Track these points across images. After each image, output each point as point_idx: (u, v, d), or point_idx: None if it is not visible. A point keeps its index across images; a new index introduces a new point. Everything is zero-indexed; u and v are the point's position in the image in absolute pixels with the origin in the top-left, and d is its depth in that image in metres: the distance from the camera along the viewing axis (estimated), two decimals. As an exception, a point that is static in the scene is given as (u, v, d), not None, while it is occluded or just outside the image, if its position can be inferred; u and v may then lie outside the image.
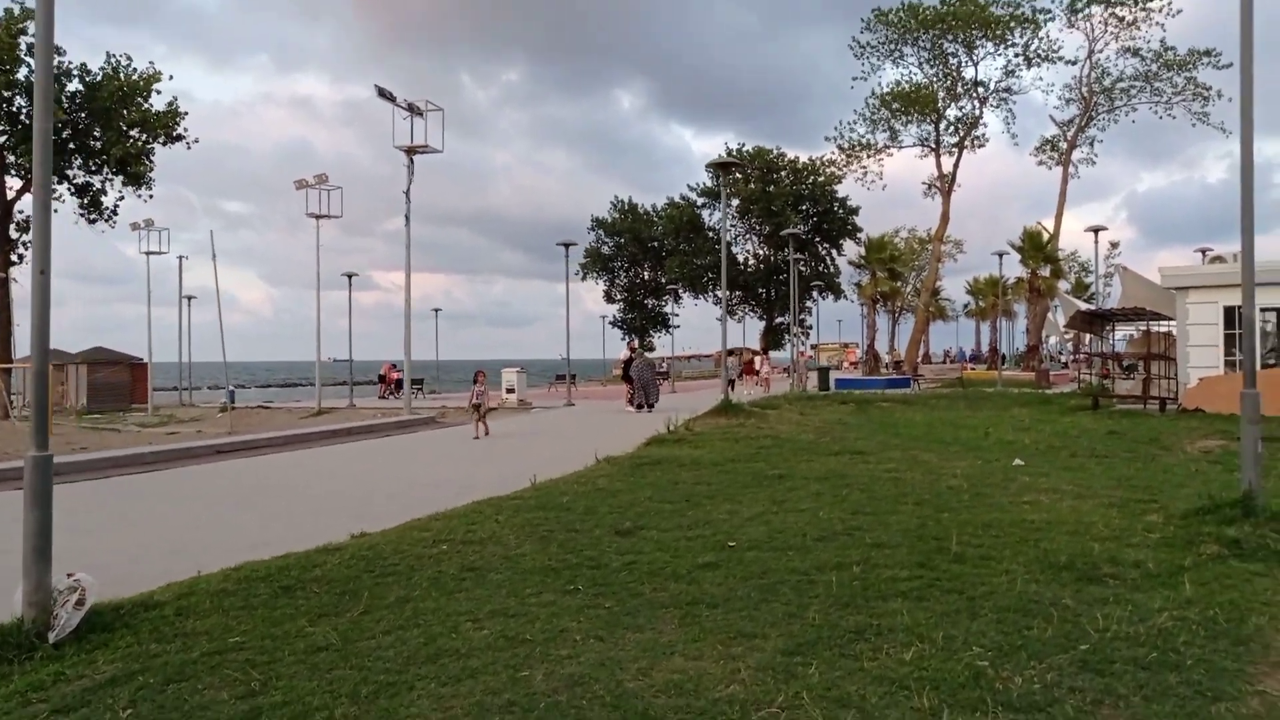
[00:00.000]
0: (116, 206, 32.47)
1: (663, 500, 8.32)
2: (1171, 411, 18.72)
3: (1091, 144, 47.96)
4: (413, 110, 23.67)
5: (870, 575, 5.43)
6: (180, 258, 38.33)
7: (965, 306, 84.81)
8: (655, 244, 56.97)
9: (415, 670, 4.03)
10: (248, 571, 5.78)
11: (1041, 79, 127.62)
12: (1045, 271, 47.23)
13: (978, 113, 46.82)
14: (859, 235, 54.64)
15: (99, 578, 5.89)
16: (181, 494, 10.86)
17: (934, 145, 47.00)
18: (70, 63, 27.95)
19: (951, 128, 47.00)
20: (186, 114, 29.41)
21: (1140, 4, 42.90)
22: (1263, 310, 18.47)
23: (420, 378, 38.76)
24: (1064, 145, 47.68)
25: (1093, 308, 28.18)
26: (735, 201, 53.08)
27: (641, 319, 58.58)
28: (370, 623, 4.74)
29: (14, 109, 27.08)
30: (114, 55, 27.91)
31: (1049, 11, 44.27)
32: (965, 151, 47.09)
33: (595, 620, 4.69)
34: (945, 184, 46.71)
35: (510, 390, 28.53)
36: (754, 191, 51.94)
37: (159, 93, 28.98)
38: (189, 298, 39.45)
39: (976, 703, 3.55)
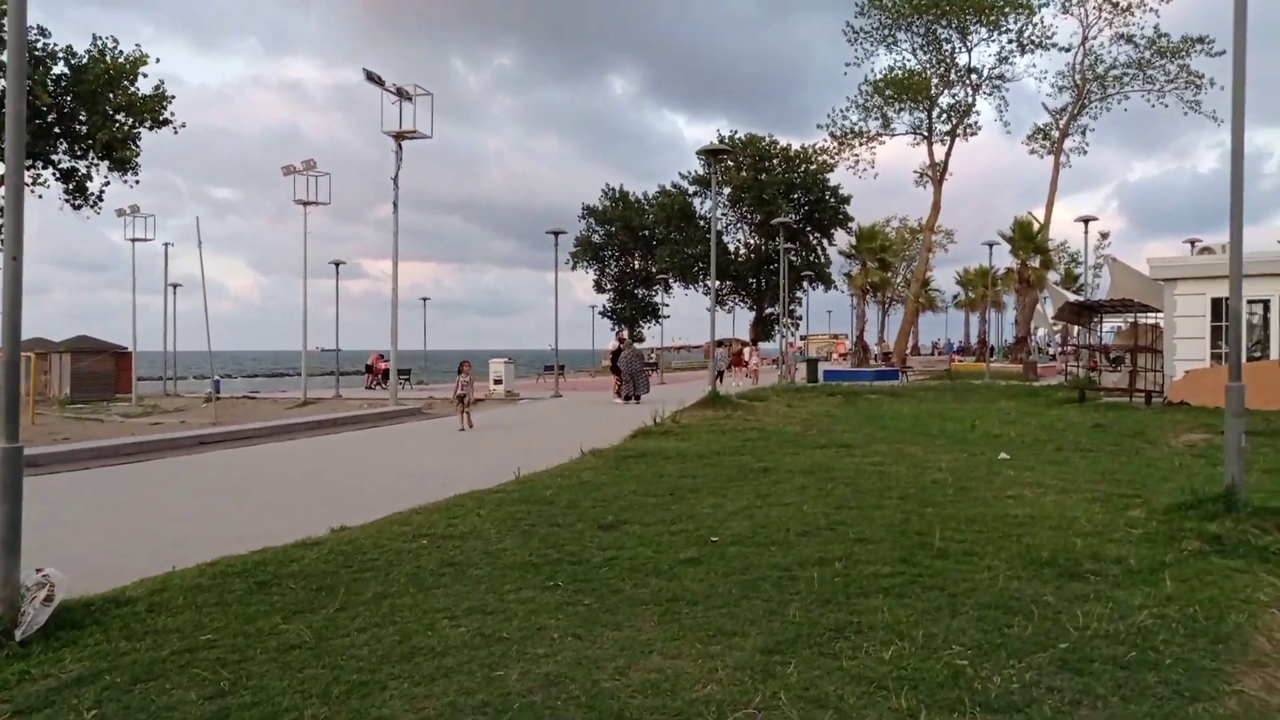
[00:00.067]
0: (102, 192, 32.14)
1: (647, 494, 8.28)
2: (1157, 404, 18.78)
3: (1084, 132, 48.08)
4: (401, 95, 23.47)
5: (852, 571, 5.41)
6: (166, 244, 38.16)
7: (955, 297, 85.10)
8: (646, 233, 56.89)
9: (389, 669, 3.98)
10: (223, 566, 5.72)
11: (1035, 66, 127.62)
12: (1035, 262, 47.36)
13: (971, 100, 46.83)
14: (850, 224, 54.68)
15: (73, 571, 5.83)
16: (162, 486, 10.76)
17: (926, 133, 47.03)
18: (56, 45, 27.55)
19: (944, 115, 47.00)
20: (174, 98, 29.11)
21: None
22: (1249, 302, 18.54)
23: (408, 368, 38.61)
24: (1056, 133, 47.75)
25: (1081, 299, 28.25)
26: (726, 190, 52.99)
27: (631, 309, 58.52)
28: (345, 620, 4.68)
29: (-13, 91, 26.71)
30: (100, 37, 27.46)
31: (1044, -3, 44.21)
32: (957, 140, 47.10)
33: (574, 618, 4.65)
34: (937, 172, 46.72)
35: (498, 381, 28.43)
36: (745, 180, 51.85)
37: (145, 76, 28.55)
38: (174, 285, 39.17)
39: (954, 703, 3.52)
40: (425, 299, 52.53)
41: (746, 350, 44.26)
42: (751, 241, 55.65)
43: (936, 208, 47.28)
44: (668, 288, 58.12)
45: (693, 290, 57.20)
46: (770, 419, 15.92)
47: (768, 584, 5.19)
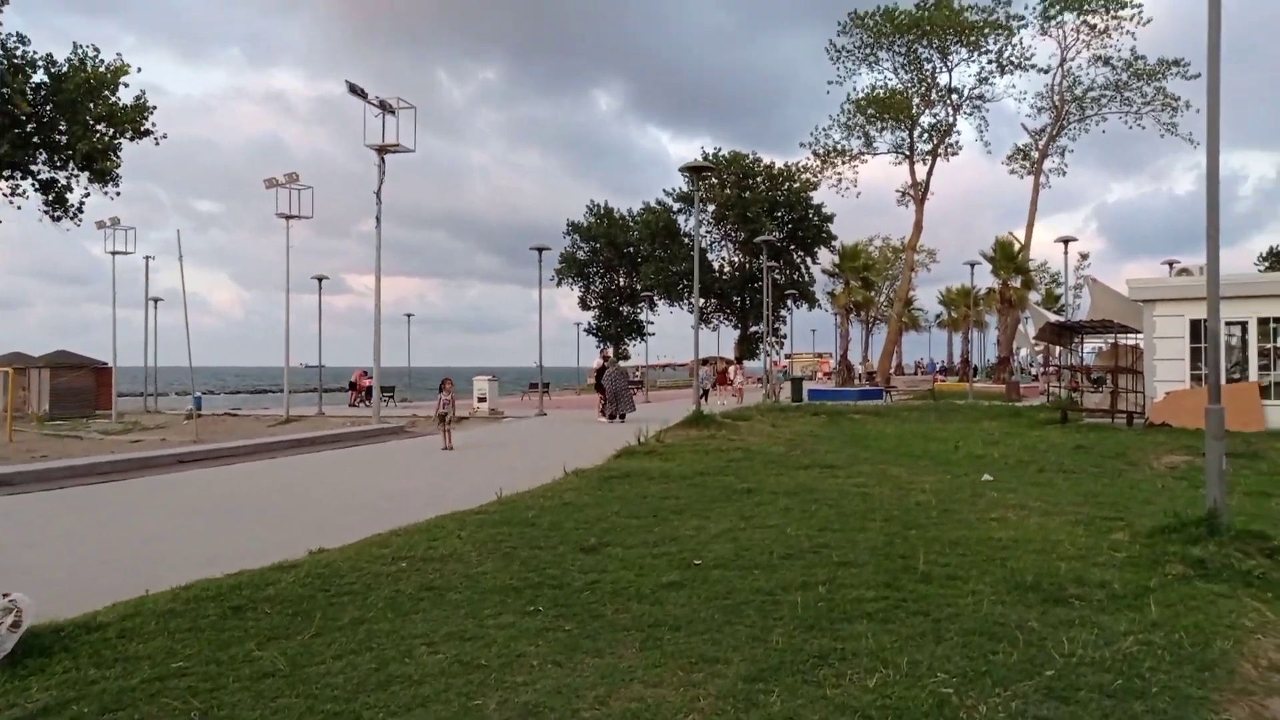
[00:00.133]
0: (82, 204, 31.87)
1: (630, 515, 8.21)
2: (1139, 426, 18.89)
3: (1063, 153, 48.67)
4: (384, 107, 23.42)
5: (836, 596, 5.36)
6: (147, 258, 37.71)
7: (938, 317, 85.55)
8: (631, 250, 56.99)
9: (364, 698, 3.89)
10: (198, 590, 5.60)
11: (1014, 86, 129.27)
12: (1016, 282, 47.71)
13: (951, 120, 47.32)
14: (834, 243, 54.95)
15: (44, 595, 5.70)
16: (139, 506, 10.59)
17: (908, 152, 47.42)
18: (35, 53, 27.34)
19: (925, 135, 47.45)
20: (155, 108, 28.96)
21: (1112, 12, 43.59)
22: (1228, 324, 18.71)
23: (391, 385, 38.39)
24: (1036, 154, 48.29)
25: (1062, 320, 28.45)
26: (710, 207, 53.21)
27: (616, 326, 58.52)
28: (321, 646, 4.59)
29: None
30: (81, 46, 27.24)
31: (1022, 18, 44.85)
32: (939, 159, 47.54)
33: (554, 644, 4.57)
34: (919, 192, 47.09)
35: (482, 399, 28.28)
36: (729, 197, 52.09)
37: (127, 85, 28.30)
38: (156, 300, 38.82)
39: (939, 734, 3.48)
40: (409, 315, 52.35)
41: (731, 369, 44.33)
42: (736, 259, 55.85)
43: (918, 227, 47.65)
44: (653, 305, 58.21)
45: (678, 308, 57.33)
46: (754, 439, 15.89)
47: (751, 609, 5.14)
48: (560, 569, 6.13)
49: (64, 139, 29.52)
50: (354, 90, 22.87)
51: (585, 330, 59.16)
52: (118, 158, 31.23)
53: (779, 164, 53.29)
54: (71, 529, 9.00)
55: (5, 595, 4.53)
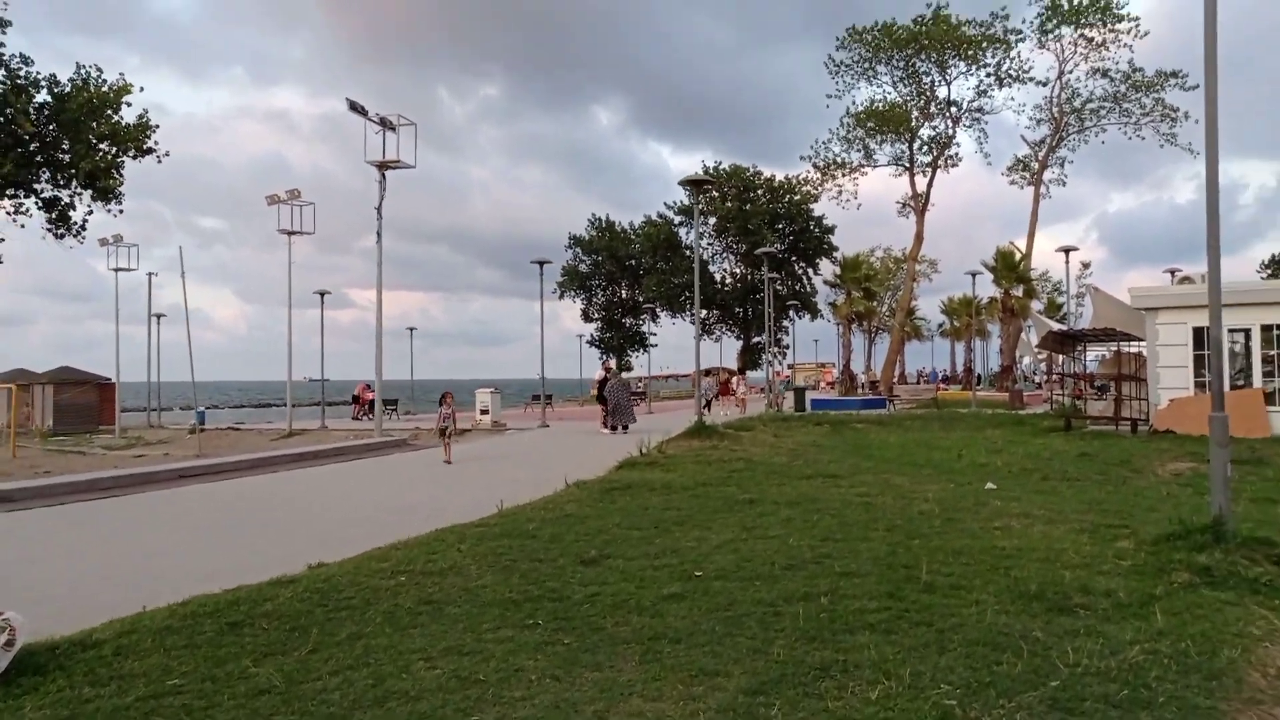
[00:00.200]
0: (85, 222, 32.02)
1: (631, 527, 8.16)
2: (1143, 433, 18.81)
3: (1062, 164, 48.69)
4: (384, 124, 23.51)
5: (838, 606, 5.30)
6: (150, 274, 37.90)
7: (940, 326, 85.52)
8: (633, 262, 57.08)
9: (360, 715, 3.85)
10: (195, 606, 5.56)
11: (1013, 99, 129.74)
12: (1018, 291, 47.66)
13: (951, 132, 47.35)
14: (835, 254, 55.00)
15: (42, 612, 5.68)
16: (139, 521, 10.55)
17: (908, 164, 47.45)
18: (39, 73, 27.49)
19: (925, 147, 47.48)
20: (158, 127, 29.12)
21: (1109, 25, 43.70)
22: (1231, 331, 18.65)
23: (394, 398, 38.41)
24: (1035, 165, 48.32)
25: (1064, 328, 28.39)
26: (712, 220, 53.31)
27: (619, 338, 58.56)
28: (318, 662, 4.54)
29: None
30: (83, 66, 27.41)
31: (1020, 32, 44.92)
32: (939, 171, 47.55)
33: (553, 658, 4.53)
34: (919, 203, 47.09)
35: (484, 411, 28.27)
36: (730, 210, 52.20)
37: (129, 105, 28.45)
38: (158, 316, 38.89)
39: (943, 746, 3.43)
40: (412, 329, 52.36)
41: (734, 379, 44.26)
42: (737, 271, 55.91)
43: (919, 238, 47.64)
44: (655, 317, 58.23)
45: (680, 319, 57.38)
46: (757, 449, 15.83)
47: (752, 620, 5.09)
48: (560, 582, 6.08)
49: (67, 158, 29.67)
50: (354, 108, 22.97)
51: (588, 342, 59.26)
52: (120, 176, 31.37)
53: (780, 176, 53.51)
54: (71, 545, 8.97)
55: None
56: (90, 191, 31.95)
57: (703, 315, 54.06)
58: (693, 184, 21.82)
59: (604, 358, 51.73)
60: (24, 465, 20.63)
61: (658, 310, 57.03)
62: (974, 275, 38.97)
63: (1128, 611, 5.17)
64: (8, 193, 30.19)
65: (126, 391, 37.65)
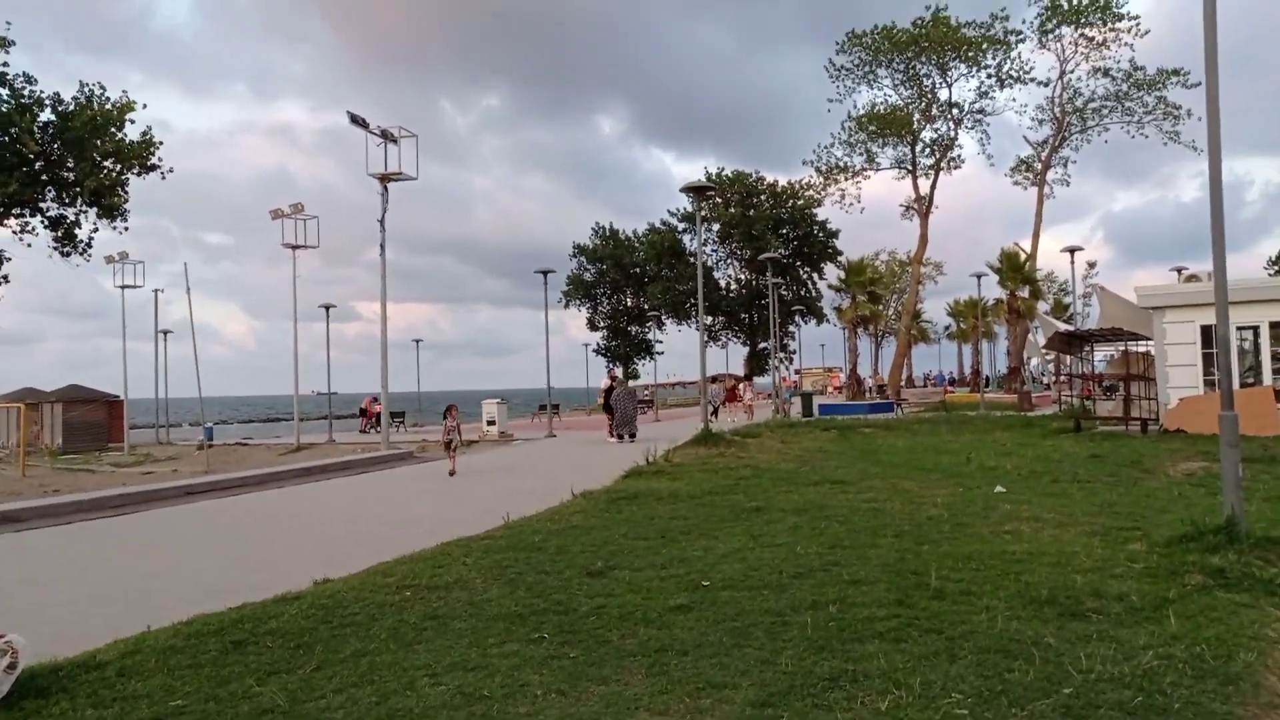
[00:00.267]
0: (91, 239, 32.15)
1: (637, 537, 8.10)
2: (1153, 432, 18.69)
3: (1065, 164, 48.65)
4: (386, 137, 23.57)
5: (847, 615, 5.25)
6: (156, 291, 38.04)
7: (946, 329, 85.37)
8: (637, 270, 57.00)
9: (364, 734, 3.81)
10: (199, 625, 5.53)
11: (1015, 100, 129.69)
12: (1024, 292, 47.55)
13: (953, 134, 47.39)
14: (839, 258, 54.91)
15: (46, 634, 5.66)
16: (145, 539, 10.54)
17: (910, 167, 47.47)
18: (43, 92, 27.67)
19: (927, 149, 47.53)
20: (161, 143, 29.25)
21: (1109, 24, 43.66)
22: (1239, 329, 18.54)
23: (401, 410, 38.43)
24: (1038, 166, 48.24)
25: (1071, 328, 28.28)
26: (715, 226, 53.28)
27: (625, 346, 58.44)
28: (322, 680, 4.50)
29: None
30: (87, 84, 27.54)
31: (1020, 33, 44.93)
32: (941, 173, 47.57)
33: (559, 672, 4.48)
34: (923, 206, 47.09)
35: (491, 422, 28.25)
36: (734, 216, 52.15)
37: (133, 122, 28.56)
38: (165, 332, 39.05)
39: (954, 758, 3.37)
40: (418, 341, 52.50)
41: (741, 386, 44.20)
42: (742, 277, 55.82)
43: (924, 240, 47.62)
44: (661, 324, 58.16)
45: (686, 326, 57.19)
46: (764, 456, 15.77)
47: (760, 631, 5.03)
48: (566, 594, 6.04)
49: (72, 176, 29.80)
50: (355, 121, 23.03)
51: (594, 351, 59.15)
52: (125, 193, 31.48)
53: (782, 182, 53.39)
54: (76, 564, 8.96)
55: (1, 637, 4.47)
56: (95, 209, 32.07)
57: (708, 322, 54.00)
58: (695, 191, 21.82)
59: (610, 366, 51.68)
60: (33, 484, 20.69)
61: (663, 318, 56.99)
62: (979, 277, 38.92)
63: (1141, 615, 5.11)
64: (14, 212, 30.31)
65: (135, 408, 37.77)
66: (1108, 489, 10.97)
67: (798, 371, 58.34)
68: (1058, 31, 44.84)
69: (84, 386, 39.66)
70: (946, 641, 4.71)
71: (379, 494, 14.65)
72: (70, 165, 29.42)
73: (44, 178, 29.50)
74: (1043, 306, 51.95)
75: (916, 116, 46.87)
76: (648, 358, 59.38)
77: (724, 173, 53.55)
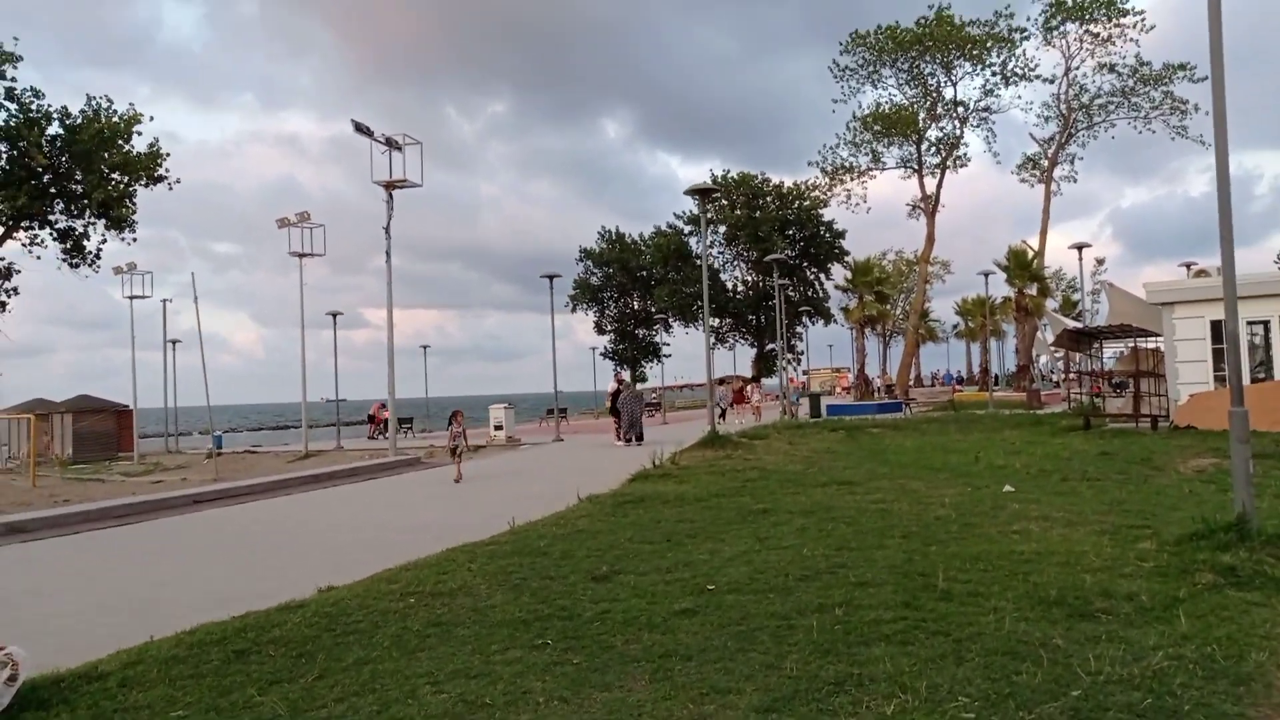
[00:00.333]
0: (99, 251, 32.30)
1: (643, 541, 8.07)
2: (1164, 429, 18.55)
3: (1072, 161, 48.31)
4: (391, 145, 23.61)
5: (853, 618, 5.19)
6: (164, 301, 38.16)
7: (955, 328, 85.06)
8: (644, 273, 57.00)
9: (364, 743, 3.78)
10: (202, 635, 5.51)
11: (1020, 97, 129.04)
12: (1032, 290, 47.27)
13: (958, 132, 47.11)
14: (846, 258, 54.78)
15: (50, 644, 5.65)
16: (152, 548, 10.55)
17: (916, 166, 47.25)
18: (50, 105, 27.83)
19: (933, 148, 47.28)
20: (169, 155, 29.40)
21: (1114, 20, 43.43)
22: (1250, 323, 18.40)
23: (409, 417, 38.48)
24: (1045, 163, 48.01)
25: (1080, 325, 28.13)
26: (722, 228, 53.24)
27: (633, 349, 58.43)
28: (324, 689, 4.48)
29: (-12, 153, 26.81)
30: (94, 97, 27.72)
31: (1025, 30, 44.71)
32: (948, 172, 47.33)
33: (561, 679, 4.44)
34: (929, 205, 46.88)
35: (498, 427, 28.24)
36: (740, 218, 52.11)
37: (140, 134, 28.68)
38: (174, 341, 39.18)
39: (961, 762, 3.32)
40: (425, 347, 52.53)
41: (748, 387, 44.11)
42: (749, 279, 55.76)
43: (930, 239, 47.39)
44: (668, 327, 58.14)
45: (693, 329, 57.15)
46: (771, 458, 15.71)
47: (765, 635, 4.99)
48: (571, 599, 6.00)
49: (80, 188, 29.95)
50: (360, 129, 23.08)
51: (602, 354, 59.20)
52: (133, 204, 31.60)
53: (788, 183, 53.32)
54: (82, 575, 8.97)
55: (1, 649, 4.45)
56: (104, 221, 32.20)
57: (715, 324, 53.96)
58: (699, 193, 21.78)
59: (617, 370, 51.64)
60: (44, 494, 20.74)
61: (670, 320, 56.96)
62: (987, 275, 38.73)
63: (1151, 615, 5.04)
64: (23, 225, 30.45)
65: (145, 417, 37.91)
66: (1117, 487, 10.88)
67: (806, 372, 58.20)
68: (1062, 28, 44.61)
69: (93, 397, 39.81)
70: (953, 644, 4.66)
71: (386, 500, 14.65)
72: (78, 178, 29.59)
73: (52, 191, 29.67)
74: (1051, 304, 51.72)
75: (922, 116, 46.68)
76: (655, 360, 59.41)
77: (729, 175, 53.57)
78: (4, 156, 27.10)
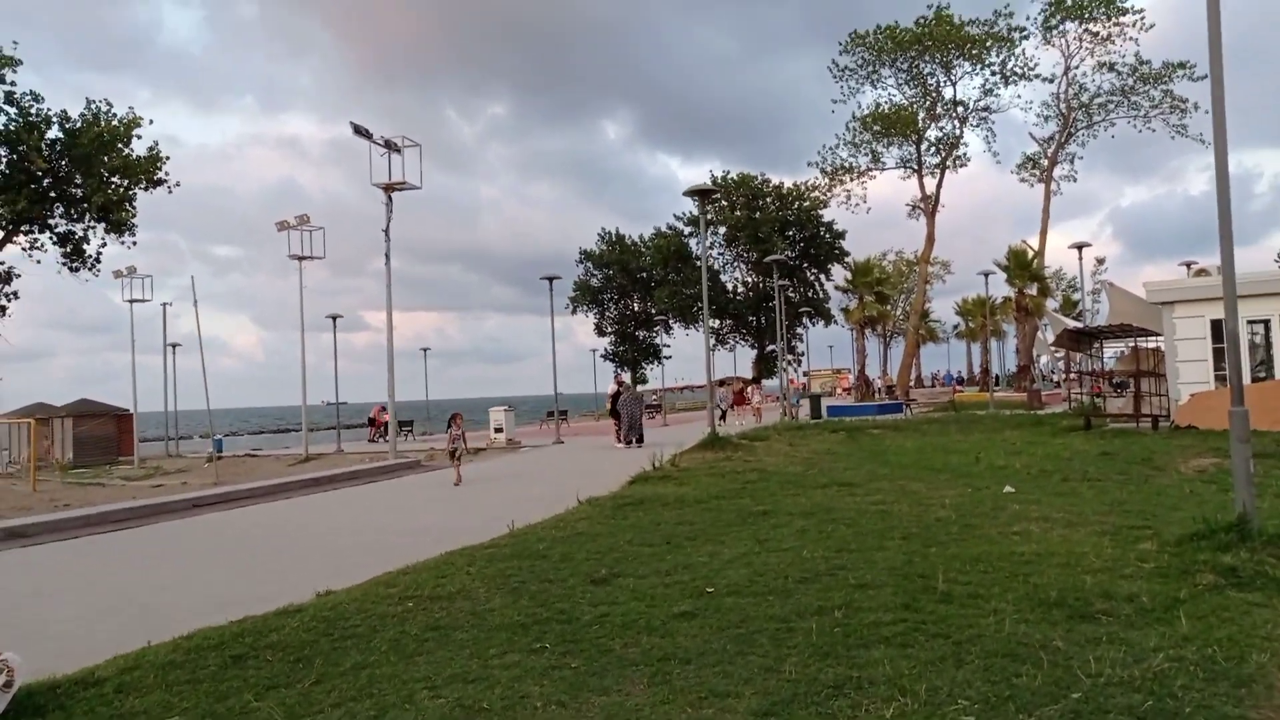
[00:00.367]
0: (99, 255, 32.27)
1: (643, 543, 8.05)
2: (1165, 429, 18.53)
3: (1072, 160, 48.33)
4: (390, 147, 23.62)
5: (852, 620, 5.17)
6: (164, 304, 38.15)
7: (955, 328, 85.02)
8: (644, 275, 56.99)
9: (361, 749, 3.76)
10: (199, 640, 5.49)
11: (1020, 97, 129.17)
12: (1032, 290, 47.27)
13: (958, 132, 47.12)
14: (846, 259, 54.76)
15: (47, 650, 5.64)
16: (151, 553, 10.53)
17: (916, 166, 47.24)
18: (50, 109, 27.82)
19: (933, 148, 47.28)
20: (168, 158, 29.37)
21: (1113, 19, 43.44)
22: (1250, 323, 18.37)
23: (410, 419, 38.44)
24: (1045, 162, 48.02)
25: (1080, 325, 28.10)
26: (721, 229, 53.23)
27: (633, 351, 58.42)
28: (320, 694, 4.46)
29: (-12, 157, 26.85)
30: (94, 101, 27.71)
31: (1024, 29, 44.71)
32: (947, 172, 47.32)
33: (559, 683, 4.42)
34: (929, 205, 46.87)
35: (498, 429, 28.22)
36: (740, 219, 52.08)
37: (139, 138, 28.65)
38: (174, 345, 39.16)
39: (960, 766, 3.30)
40: (425, 349, 52.55)
41: (749, 388, 44.09)
42: (749, 280, 55.75)
43: (930, 240, 47.37)
44: (668, 329, 58.13)
45: (694, 330, 57.12)
46: (771, 459, 15.69)
47: (764, 637, 4.97)
48: (570, 603, 5.98)
49: (80, 192, 29.94)
50: (359, 131, 23.08)
51: (602, 356, 59.17)
52: (133, 208, 31.56)
53: (788, 184, 53.31)
54: (80, 580, 8.95)
55: (-3, 654, 4.44)
56: (103, 225, 32.17)
57: (716, 325, 53.91)
58: (698, 194, 21.77)
59: (617, 371, 51.62)
60: (44, 499, 20.73)
61: (671, 322, 56.95)
62: (987, 275, 38.70)
63: (1151, 617, 5.02)
64: (23, 229, 30.42)
65: (146, 421, 37.90)
66: (1118, 487, 10.86)
67: (806, 373, 58.16)
68: (1062, 27, 44.66)
69: (94, 401, 39.80)
70: (953, 646, 4.64)
71: (387, 503, 14.63)
72: (78, 182, 29.59)
73: (52, 195, 29.67)
74: (1051, 304, 51.71)
75: (921, 115, 46.68)
76: (656, 362, 59.41)
77: (729, 176, 53.55)
78: (4, 160, 27.12)
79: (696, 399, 65.16)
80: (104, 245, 31.16)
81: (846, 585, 6.03)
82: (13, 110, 26.46)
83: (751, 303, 54.70)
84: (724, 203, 52.22)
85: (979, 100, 46.80)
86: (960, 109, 46.62)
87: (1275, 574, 5.65)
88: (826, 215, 52.12)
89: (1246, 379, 14.54)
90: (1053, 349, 36.21)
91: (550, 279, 30.40)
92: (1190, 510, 8.20)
